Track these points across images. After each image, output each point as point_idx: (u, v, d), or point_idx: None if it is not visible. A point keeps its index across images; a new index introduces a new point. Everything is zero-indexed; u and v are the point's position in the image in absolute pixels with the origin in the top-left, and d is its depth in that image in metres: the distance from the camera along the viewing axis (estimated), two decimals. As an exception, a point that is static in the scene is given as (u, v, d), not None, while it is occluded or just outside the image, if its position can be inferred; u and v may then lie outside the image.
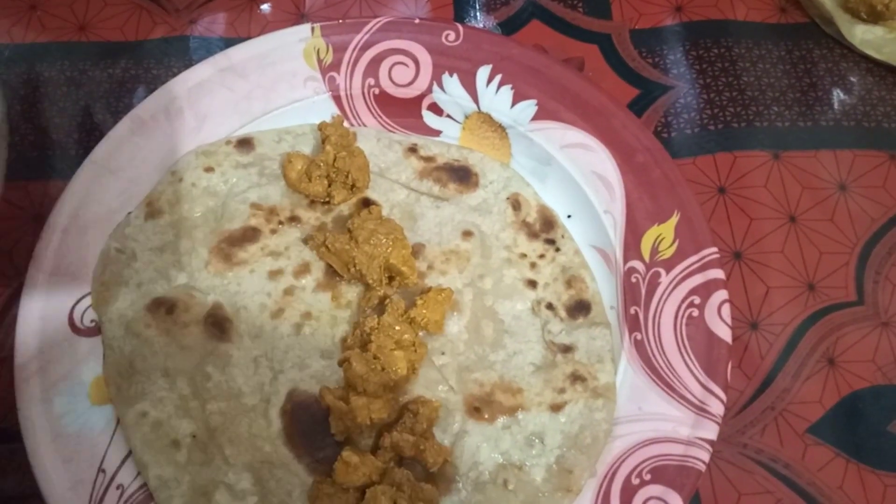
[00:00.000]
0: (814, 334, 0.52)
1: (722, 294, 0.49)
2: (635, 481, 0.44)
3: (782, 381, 0.51)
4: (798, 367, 0.51)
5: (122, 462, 0.45)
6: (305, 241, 0.52)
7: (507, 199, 0.55)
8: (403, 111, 0.58)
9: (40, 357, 0.46)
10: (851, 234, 0.56)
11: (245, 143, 0.55)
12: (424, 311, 0.49)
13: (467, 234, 0.53)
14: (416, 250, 0.52)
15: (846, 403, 0.50)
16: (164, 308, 0.49)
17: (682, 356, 0.47)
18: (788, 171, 0.58)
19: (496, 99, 0.57)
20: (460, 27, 0.58)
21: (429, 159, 0.56)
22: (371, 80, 0.57)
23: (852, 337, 0.52)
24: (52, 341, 0.47)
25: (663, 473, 0.44)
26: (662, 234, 0.51)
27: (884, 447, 0.49)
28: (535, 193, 0.56)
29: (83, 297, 0.49)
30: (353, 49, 0.57)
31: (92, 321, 0.48)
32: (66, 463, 0.43)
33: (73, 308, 0.48)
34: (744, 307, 0.53)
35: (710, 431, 0.45)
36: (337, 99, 0.57)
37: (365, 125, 0.58)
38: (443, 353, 0.49)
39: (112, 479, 0.44)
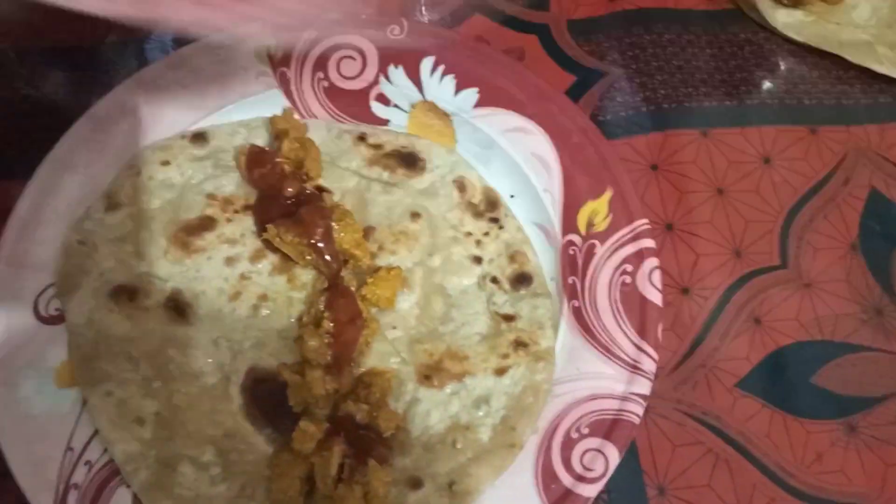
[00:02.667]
0: (741, 297, 0.56)
1: (652, 261, 0.52)
2: (574, 435, 0.47)
3: (712, 340, 0.54)
4: (727, 327, 0.55)
5: (89, 440, 0.46)
6: (260, 233, 0.55)
7: (454, 181, 0.58)
8: (352, 102, 0.60)
9: (6, 344, 0.48)
10: (775, 203, 0.60)
11: (200, 137, 0.58)
12: (375, 289, 0.52)
13: (416, 215, 0.56)
14: (367, 233, 0.55)
15: (772, 359, 0.54)
16: (125, 295, 0.51)
17: (616, 319, 0.51)
18: (716, 147, 0.62)
19: (440, 88, 0.60)
20: (405, 21, 0.61)
21: (377, 147, 0.59)
22: (320, 74, 0.60)
23: (776, 298, 0.56)
24: (17, 330, 0.48)
25: (600, 427, 0.47)
26: (597, 209, 0.55)
27: (806, 397, 0.53)
28: (479, 176, 0.59)
29: (47, 287, 0.51)
30: (302, 45, 0.60)
31: (56, 309, 0.50)
32: (33, 442, 0.45)
33: (37, 297, 0.50)
34: (675, 274, 0.57)
35: (644, 387, 0.48)
36: (288, 93, 0.60)
37: (315, 117, 0.60)
38: (394, 328, 0.52)
39: (80, 456, 0.46)
